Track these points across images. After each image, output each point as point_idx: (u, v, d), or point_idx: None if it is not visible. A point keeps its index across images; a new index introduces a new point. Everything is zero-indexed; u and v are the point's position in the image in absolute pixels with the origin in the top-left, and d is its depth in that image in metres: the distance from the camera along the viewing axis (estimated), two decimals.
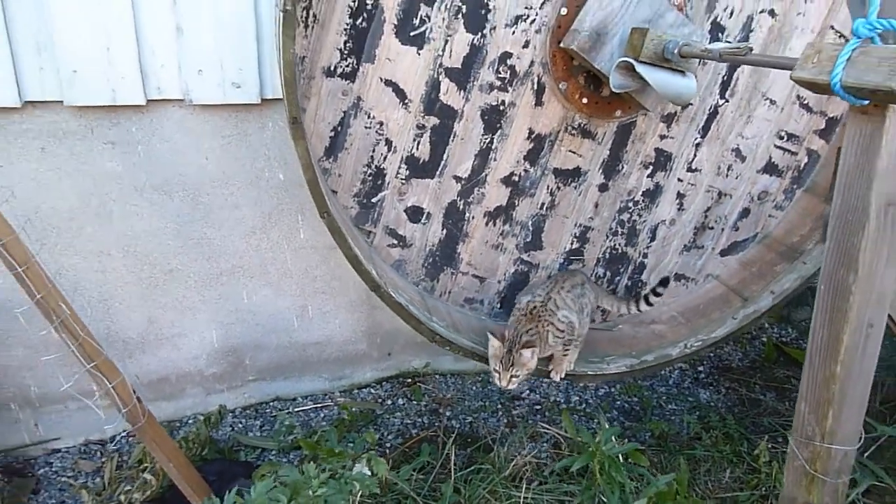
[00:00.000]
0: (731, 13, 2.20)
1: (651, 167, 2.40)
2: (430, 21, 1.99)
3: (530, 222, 2.39)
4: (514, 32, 2.06)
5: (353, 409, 2.63)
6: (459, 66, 2.08)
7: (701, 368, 3.11)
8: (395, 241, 2.32)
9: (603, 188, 2.39)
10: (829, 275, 1.43)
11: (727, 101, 2.35)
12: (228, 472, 2.36)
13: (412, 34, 2.00)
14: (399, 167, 2.19)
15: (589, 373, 2.39)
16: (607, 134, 2.29)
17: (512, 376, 2.04)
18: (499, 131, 2.20)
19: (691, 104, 2.30)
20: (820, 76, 1.24)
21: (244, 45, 2.22)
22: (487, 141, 2.21)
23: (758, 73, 2.34)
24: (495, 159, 2.24)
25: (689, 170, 2.44)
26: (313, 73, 2.00)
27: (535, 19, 2.06)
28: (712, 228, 2.58)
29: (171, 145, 2.32)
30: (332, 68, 2.01)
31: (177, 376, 2.65)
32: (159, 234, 2.43)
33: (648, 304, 2.46)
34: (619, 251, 2.53)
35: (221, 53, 2.22)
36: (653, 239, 2.53)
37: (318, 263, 2.62)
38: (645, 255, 2.55)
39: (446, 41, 2.03)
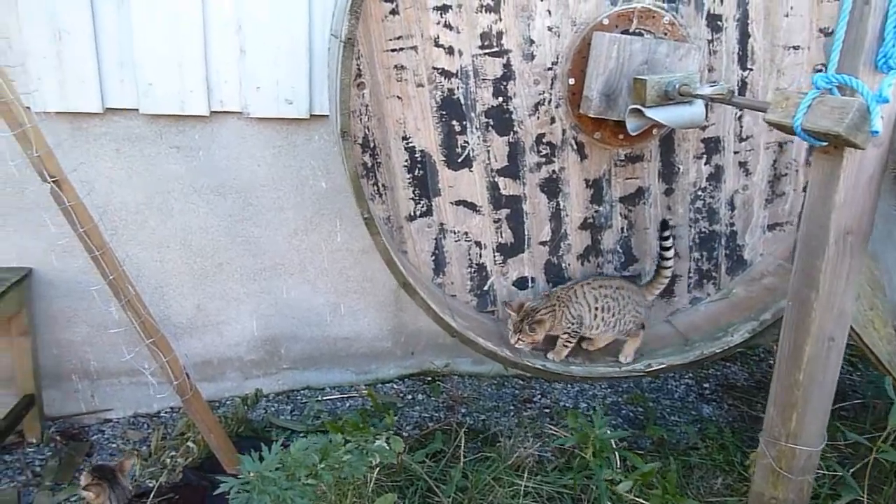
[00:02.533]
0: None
1: (704, 156, 2.54)
2: (468, 144, 2.33)
3: (618, 246, 2.62)
4: (538, 117, 2.35)
5: (378, 400, 2.86)
6: (507, 164, 2.40)
7: (706, 385, 3.27)
8: None
9: (668, 192, 2.57)
10: (794, 292, 1.63)
11: (750, 69, 2.43)
12: (260, 449, 2.61)
13: (459, 160, 2.35)
14: (494, 257, 2.52)
15: (717, 350, 2.54)
16: (652, 150, 2.49)
17: (519, 339, 2.35)
18: (560, 194, 2.48)
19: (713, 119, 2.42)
20: (785, 119, 1.45)
21: (298, 67, 2.51)
22: (554, 206, 2.49)
23: (770, 31, 2.40)
24: (567, 215, 2.51)
25: (742, 139, 2.55)
26: (400, 223, 2.40)
27: (551, 99, 2.33)
28: (786, 175, 2.65)
29: (227, 152, 2.61)
30: (412, 214, 2.39)
31: (219, 360, 2.92)
32: (212, 230, 2.71)
33: (666, 253, 2.54)
34: (706, 232, 2.67)
35: (277, 73, 2.50)
36: (733, 209, 2.66)
37: (352, 265, 2.88)
38: (732, 224, 2.68)
39: (488, 151, 2.36)
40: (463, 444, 2.49)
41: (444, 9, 2.16)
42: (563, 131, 2.37)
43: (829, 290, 1.56)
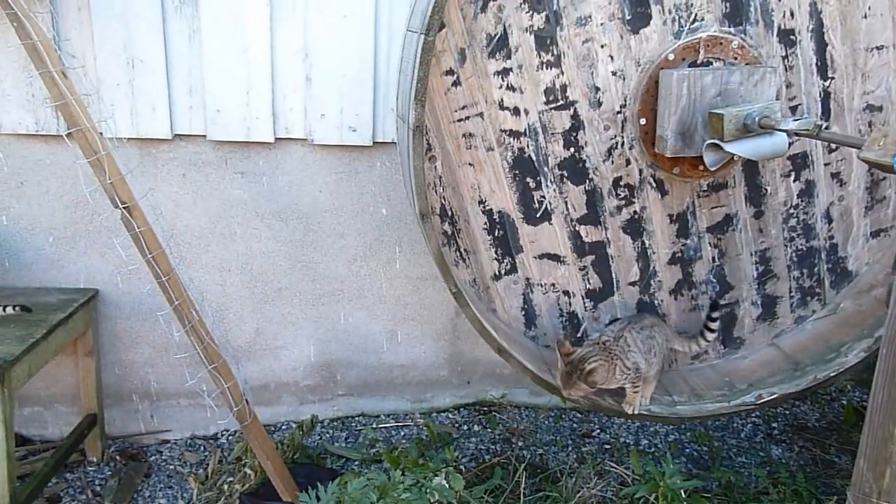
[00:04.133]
0: (791, 13, 2.24)
1: (792, 173, 2.45)
2: (545, 198, 2.31)
3: (711, 276, 2.54)
4: (612, 161, 2.30)
5: (434, 430, 2.81)
6: (586, 211, 2.36)
7: (775, 425, 3.12)
8: None
9: (758, 215, 2.48)
10: (891, 338, 1.52)
11: (832, 78, 2.34)
12: (315, 476, 2.58)
13: (538, 215, 2.33)
14: (584, 303, 2.49)
15: (831, 374, 2.44)
16: (736, 176, 2.41)
17: (571, 393, 2.19)
18: (644, 233, 2.43)
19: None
20: (884, 158, 1.36)
21: (362, 95, 2.51)
22: (639, 245, 2.44)
23: (850, 35, 2.31)
24: (654, 252, 2.46)
25: (831, 150, 2.44)
26: (486, 284, 2.40)
27: (623, 142, 2.28)
28: (884, 178, 2.54)
29: (291, 178, 2.63)
30: (497, 273, 2.39)
31: (275, 385, 2.92)
32: (273, 255, 2.72)
33: (711, 331, 2.50)
34: (804, 249, 2.58)
35: (342, 101, 2.51)
36: (830, 221, 2.55)
37: (410, 292, 2.85)
38: (831, 237, 2.58)
39: (566, 202, 2.33)
40: (523, 481, 2.41)
41: (504, 72, 2.16)
42: (640, 171, 2.33)
43: None
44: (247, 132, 2.51)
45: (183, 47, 2.42)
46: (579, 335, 2.52)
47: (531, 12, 2.08)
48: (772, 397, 2.43)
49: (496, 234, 2.35)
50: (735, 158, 2.23)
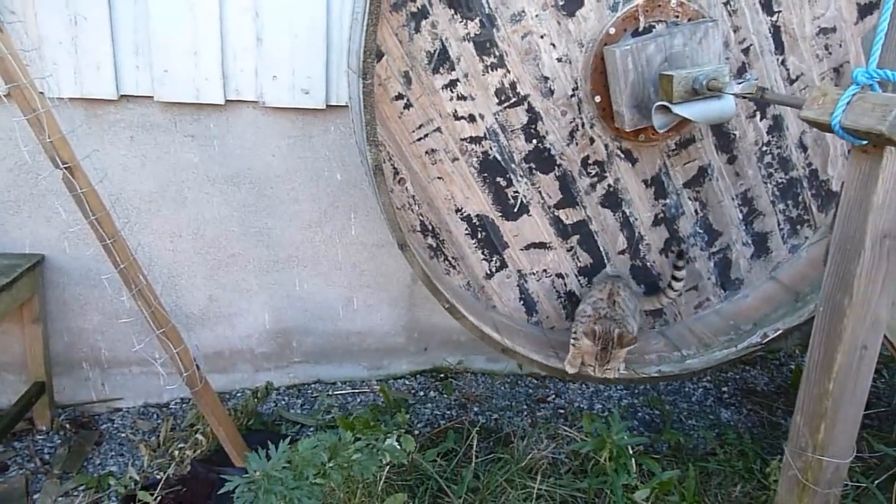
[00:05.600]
0: None
1: (757, 113, 2.47)
2: (519, 192, 2.35)
3: (697, 228, 2.59)
4: (576, 143, 2.33)
5: (390, 396, 2.82)
6: (562, 196, 2.40)
7: (725, 389, 3.19)
8: None
9: (732, 160, 2.52)
10: (827, 297, 1.56)
11: (779, 11, 2.34)
12: (269, 443, 2.58)
13: (516, 210, 2.38)
14: (579, 281, 2.56)
15: None
16: (702, 128, 2.44)
17: (608, 369, 2.20)
18: (623, 203, 2.47)
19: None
20: (822, 117, 1.38)
21: (315, 56, 2.46)
22: (620, 216, 2.49)
23: None
24: (636, 219, 2.51)
25: (792, 81, 2.47)
26: (480, 284, 2.46)
27: (583, 122, 2.30)
28: None
29: (242, 142, 2.57)
30: (488, 272, 2.45)
31: (230, 352, 2.89)
32: (226, 221, 2.68)
33: (677, 280, 2.56)
34: (784, 181, 2.62)
35: (294, 62, 2.46)
36: (805, 150, 2.59)
37: (366, 259, 2.83)
38: (809, 164, 2.62)
39: (539, 192, 2.37)
40: (475, 444, 2.44)
41: (452, 84, 2.17)
42: (606, 146, 2.35)
43: (863, 296, 1.48)
44: (196, 93, 2.44)
45: (128, 4, 2.33)
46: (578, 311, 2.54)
47: (464, 21, 2.09)
48: (776, 334, 2.52)
49: (479, 236, 2.39)
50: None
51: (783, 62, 2.42)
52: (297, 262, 2.79)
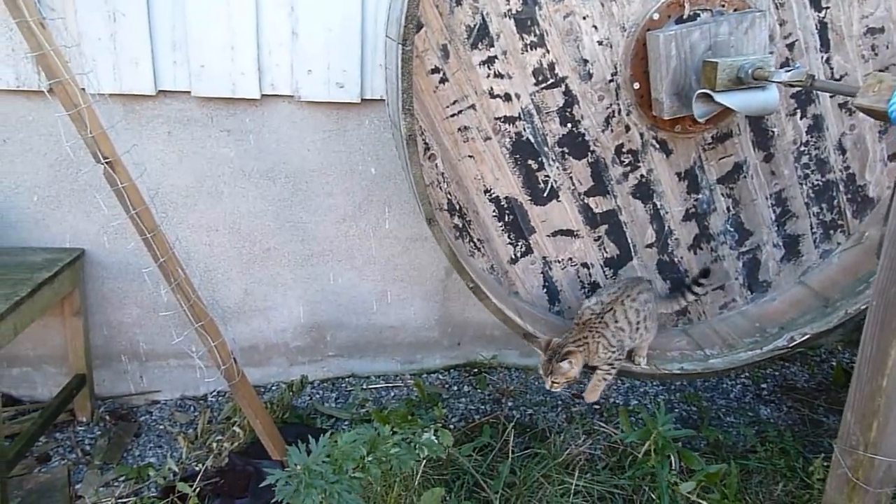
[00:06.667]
0: None
1: (798, 111, 2.42)
2: (550, 177, 2.33)
3: (728, 226, 2.55)
4: (612, 130, 2.29)
5: (424, 390, 2.81)
6: (593, 184, 2.37)
7: (764, 386, 3.13)
8: None
9: (768, 158, 2.48)
10: (881, 291, 1.51)
11: (827, 7, 2.28)
12: (305, 436, 2.57)
13: (545, 195, 2.35)
14: (604, 272, 2.53)
15: (862, 307, 2.38)
16: (740, 123, 2.39)
17: (553, 381, 2.13)
18: (654, 195, 2.43)
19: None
20: (878, 104, 1.34)
21: (349, 50, 2.46)
22: (651, 207, 2.45)
23: None
24: (667, 212, 2.47)
25: (836, 80, 2.40)
26: (504, 269, 2.43)
27: (619, 108, 2.26)
28: None
29: (278, 136, 2.58)
30: (513, 257, 2.42)
31: (265, 346, 2.91)
32: (261, 215, 2.69)
33: (694, 293, 2.50)
34: (820, 184, 2.58)
35: (329, 56, 2.46)
36: (843, 152, 2.54)
37: (400, 253, 2.83)
38: (847, 168, 2.57)
39: (570, 177, 2.34)
40: (511, 440, 2.42)
41: (490, 61, 2.14)
42: (641, 135, 2.31)
43: None
44: (232, 88, 2.45)
45: (166, 0, 2.35)
46: None
47: None
48: (804, 338, 2.46)
49: (506, 219, 2.36)
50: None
51: (828, 60, 2.36)
52: (332, 256, 2.79)
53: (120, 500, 2.31)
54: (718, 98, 1.92)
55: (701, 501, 2.05)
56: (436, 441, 1.95)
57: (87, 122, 1.97)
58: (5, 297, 2.20)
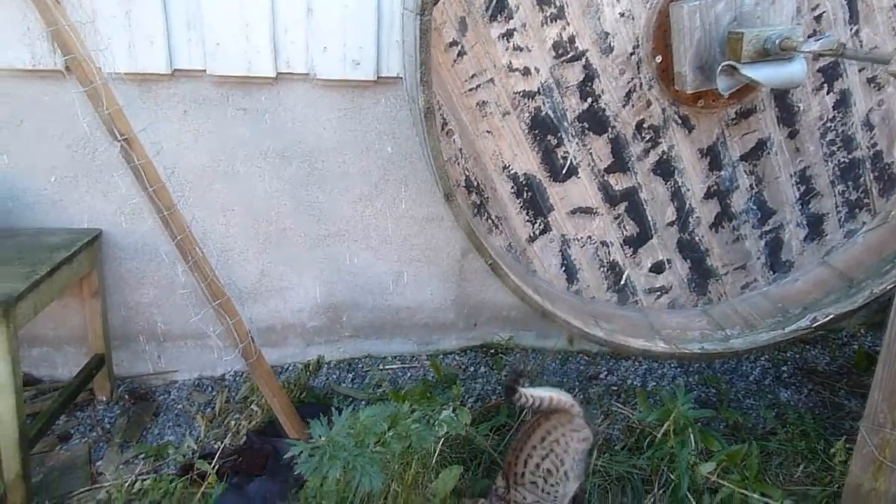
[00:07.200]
0: None
1: (825, 86, 2.38)
2: (569, 153, 2.29)
3: (751, 204, 2.52)
4: (632, 105, 2.25)
5: (441, 370, 2.80)
6: (613, 160, 2.34)
7: (784, 368, 3.09)
8: (659, 293, 2.61)
9: (793, 135, 2.43)
10: None
11: None
12: (322, 416, 2.60)
13: (564, 172, 2.32)
14: (623, 250, 2.50)
15: (888, 287, 2.33)
16: (765, 99, 2.35)
17: None
18: (675, 172, 2.40)
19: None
20: None
21: (365, 27, 2.43)
22: (672, 185, 2.42)
23: None
24: (688, 190, 2.44)
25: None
26: (522, 247, 2.41)
27: (640, 83, 2.22)
28: None
29: (293, 115, 2.56)
30: (531, 235, 2.40)
31: (282, 326, 2.91)
32: (277, 195, 2.68)
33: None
34: (846, 161, 2.54)
35: (345, 34, 2.43)
36: (871, 129, 2.50)
37: (416, 233, 2.81)
38: (874, 145, 2.53)
39: (590, 154, 2.31)
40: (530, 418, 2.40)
41: (508, 34, 2.11)
42: (663, 110, 2.27)
43: None
44: (248, 67, 2.44)
45: None
46: (622, 283, 2.53)
47: None
48: (827, 318, 2.42)
49: (525, 196, 2.34)
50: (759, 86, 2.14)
51: (856, 33, 2.30)
52: (348, 236, 2.78)
53: (140, 477, 2.32)
54: (744, 70, 1.88)
55: (721, 482, 2.02)
56: (454, 418, 1.94)
57: (104, 98, 1.97)
58: (25, 276, 2.21)
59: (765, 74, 1.91)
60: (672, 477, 2.23)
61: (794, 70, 1.95)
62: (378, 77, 2.50)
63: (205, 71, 2.44)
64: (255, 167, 2.63)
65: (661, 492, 2.22)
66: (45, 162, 2.54)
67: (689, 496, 2.15)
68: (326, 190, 2.69)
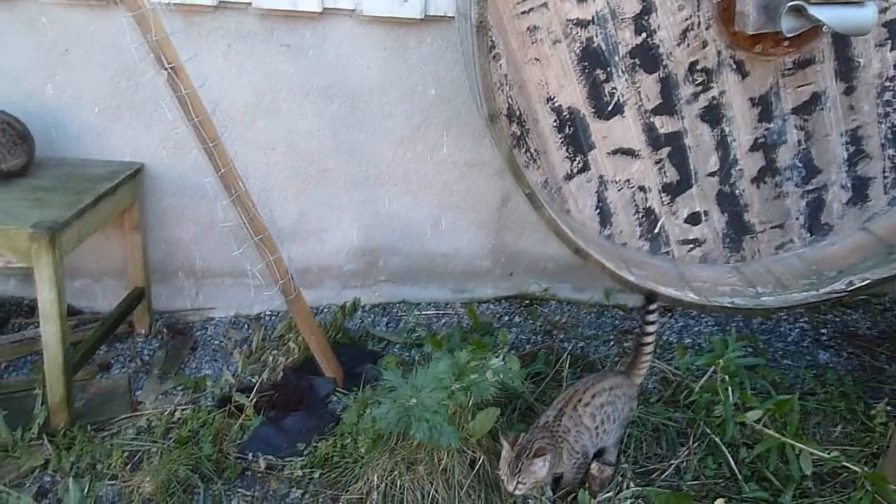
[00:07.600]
0: None
1: (889, 41, 2.28)
2: (616, 90, 2.21)
3: (797, 161, 2.44)
4: (687, 44, 2.16)
5: (477, 317, 2.80)
6: (661, 101, 2.25)
7: (824, 331, 3.04)
8: (692, 245, 2.54)
9: (849, 91, 2.35)
10: None
11: None
12: (358, 356, 2.62)
13: (609, 109, 2.24)
14: (661, 198, 2.42)
15: None
16: (825, 49, 2.26)
17: (518, 482, 1.81)
18: (723, 119, 2.31)
19: None
20: None
21: None
22: (718, 133, 2.33)
23: None
24: (735, 140, 2.35)
25: None
26: (559, 184, 2.33)
27: (699, 21, 2.13)
28: None
29: (337, 52, 2.52)
30: (569, 173, 2.32)
31: (318, 268, 2.92)
32: (318, 134, 2.66)
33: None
34: None
35: None
36: None
37: (456, 179, 2.78)
38: None
39: (638, 93, 2.22)
40: (566, 367, 2.40)
41: None
42: (718, 53, 2.18)
43: None
44: (293, 1, 2.39)
45: None
46: (656, 231, 2.46)
47: None
48: (863, 283, 2.33)
49: (566, 131, 2.27)
50: (822, 29, 2.05)
51: None
52: (388, 180, 2.76)
53: (179, 407, 2.37)
54: (812, 10, 1.80)
55: (767, 430, 2.00)
56: (504, 366, 1.94)
57: (152, 24, 1.94)
58: (70, 204, 2.23)
59: (833, 16, 1.82)
60: (707, 430, 2.22)
61: (864, 15, 1.86)
62: (425, 15, 2.44)
63: (250, 3, 2.41)
64: (298, 105, 2.60)
65: (696, 445, 2.22)
66: (90, 92, 2.54)
67: (725, 450, 2.14)
68: (368, 131, 2.66)
